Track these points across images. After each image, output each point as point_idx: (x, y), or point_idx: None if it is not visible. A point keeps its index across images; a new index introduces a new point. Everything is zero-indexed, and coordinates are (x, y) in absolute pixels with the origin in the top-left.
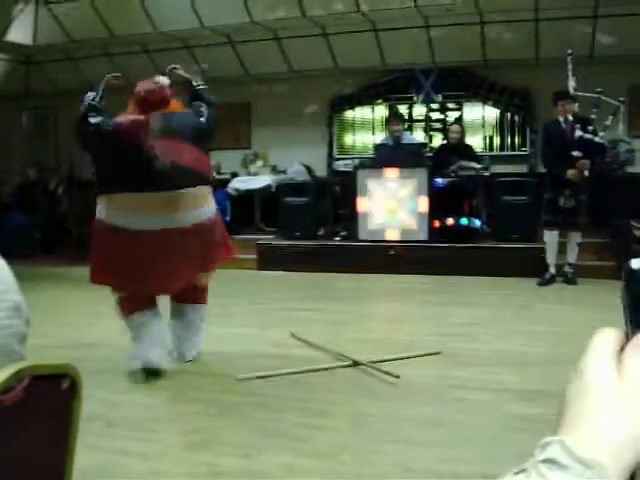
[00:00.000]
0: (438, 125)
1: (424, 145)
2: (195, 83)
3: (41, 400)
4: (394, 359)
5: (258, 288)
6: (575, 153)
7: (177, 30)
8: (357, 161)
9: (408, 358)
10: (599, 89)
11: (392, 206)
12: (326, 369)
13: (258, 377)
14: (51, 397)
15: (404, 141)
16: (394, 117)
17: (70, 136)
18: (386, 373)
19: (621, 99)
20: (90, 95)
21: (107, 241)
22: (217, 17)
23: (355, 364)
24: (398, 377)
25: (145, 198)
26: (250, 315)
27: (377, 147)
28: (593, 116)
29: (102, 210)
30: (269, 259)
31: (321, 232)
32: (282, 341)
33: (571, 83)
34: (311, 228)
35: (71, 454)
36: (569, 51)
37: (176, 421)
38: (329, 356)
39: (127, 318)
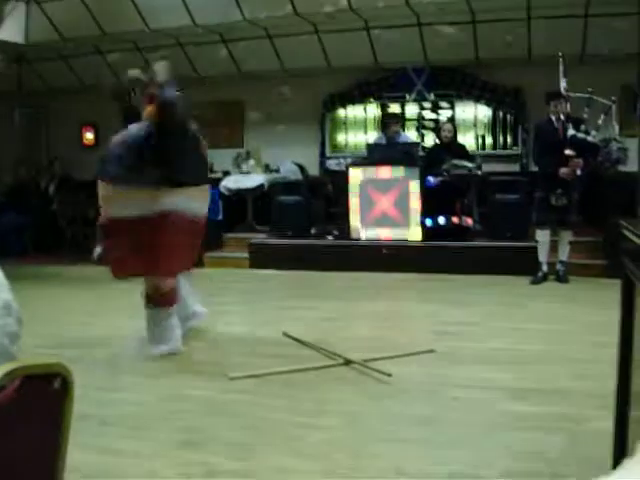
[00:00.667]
0: (430, 124)
1: (416, 144)
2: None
3: (33, 400)
4: (387, 357)
5: (250, 287)
6: (568, 152)
7: (169, 28)
8: (349, 160)
9: (401, 356)
10: (590, 89)
11: (384, 205)
12: (319, 368)
13: (250, 376)
14: (43, 397)
15: (399, 140)
16: (393, 118)
17: (62, 135)
18: (378, 371)
19: (613, 98)
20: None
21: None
22: (209, 15)
23: (348, 362)
24: (390, 375)
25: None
26: (242, 314)
27: (370, 146)
28: (585, 115)
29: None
30: (261, 258)
31: (313, 231)
32: (275, 340)
33: (562, 84)
34: (303, 227)
35: (63, 453)
36: (560, 53)
37: (169, 420)
38: (322, 355)
39: (154, 309)
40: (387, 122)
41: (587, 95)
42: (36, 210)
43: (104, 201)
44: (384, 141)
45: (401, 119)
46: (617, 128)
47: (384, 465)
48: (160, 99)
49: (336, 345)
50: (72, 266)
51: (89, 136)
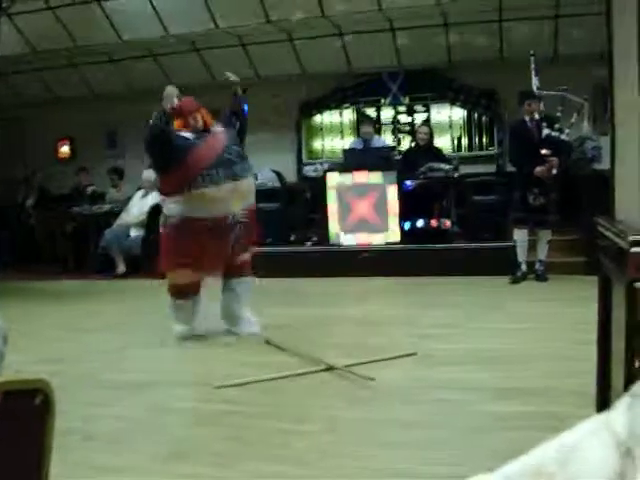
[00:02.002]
0: (406, 127)
1: (393, 148)
2: (239, 91)
3: (14, 416)
4: (369, 362)
5: None
6: (544, 151)
7: (142, 38)
8: (326, 166)
9: (383, 360)
10: (563, 87)
11: (362, 210)
12: (302, 374)
13: (235, 385)
14: (24, 413)
15: (375, 144)
16: (365, 120)
17: (37, 148)
18: (361, 377)
19: (585, 97)
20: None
21: (182, 231)
22: (182, 24)
23: (330, 368)
24: (373, 380)
25: (219, 189)
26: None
27: (346, 151)
28: (559, 114)
29: (175, 208)
30: None
31: (293, 238)
32: (257, 348)
33: (535, 83)
34: (282, 234)
35: (46, 470)
36: (531, 52)
37: (154, 432)
38: (305, 361)
39: (177, 302)
40: (360, 123)
41: (560, 93)
42: (14, 225)
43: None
44: (360, 145)
45: (374, 121)
46: (590, 126)
47: (369, 468)
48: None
49: (318, 351)
50: (51, 281)
51: (65, 149)
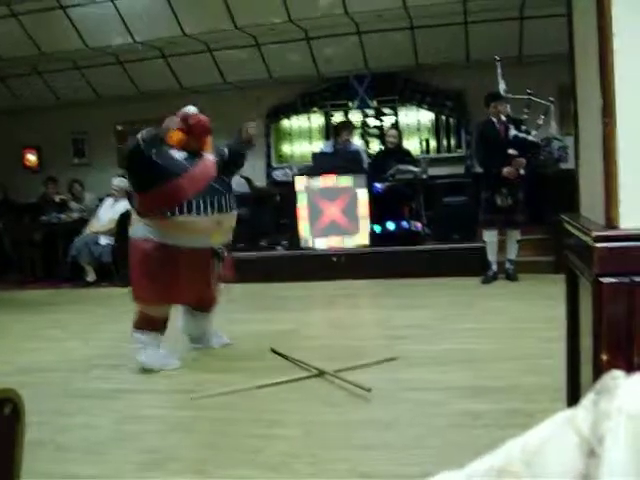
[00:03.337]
0: (375, 131)
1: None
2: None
3: None
4: (351, 368)
5: None
6: (511, 151)
7: (108, 45)
8: (296, 170)
9: (365, 366)
10: (529, 90)
11: (333, 213)
12: (297, 380)
13: (211, 395)
14: None
15: (350, 149)
16: (347, 126)
17: (2, 157)
18: (358, 386)
19: (551, 99)
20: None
21: (159, 259)
22: (149, 31)
23: (321, 374)
24: (370, 390)
25: (203, 220)
26: None
27: (315, 155)
28: (525, 116)
29: (152, 231)
30: None
31: (263, 242)
32: (230, 354)
33: (501, 86)
34: (253, 239)
35: None
36: (496, 57)
37: (127, 441)
38: (291, 367)
39: (145, 332)
40: (340, 130)
41: (526, 96)
42: None
43: None
44: (330, 149)
45: (354, 128)
46: (557, 127)
47: (346, 471)
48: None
49: (298, 356)
50: (21, 291)
51: (31, 158)
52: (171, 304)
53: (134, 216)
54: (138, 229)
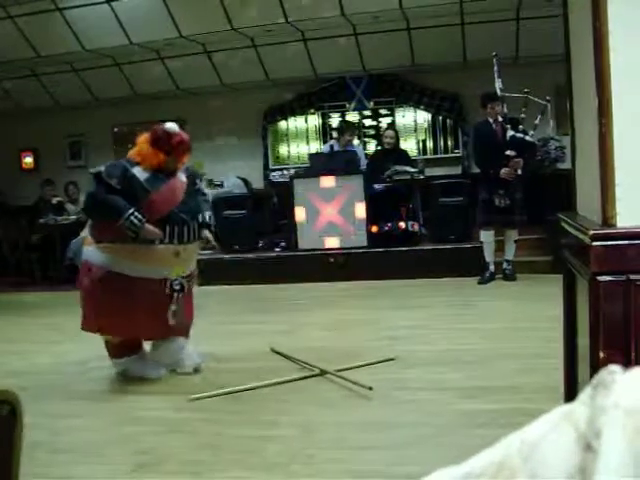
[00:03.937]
0: (371, 131)
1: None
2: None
3: None
4: (349, 368)
5: (200, 303)
6: (508, 152)
7: (105, 47)
8: (293, 171)
9: (365, 365)
10: (526, 89)
11: (330, 214)
12: (293, 380)
13: (209, 396)
14: None
15: (348, 150)
16: (350, 128)
17: (1, 160)
18: (360, 385)
19: (548, 98)
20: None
21: (111, 288)
22: (145, 33)
23: (322, 373)
24: (371, 389)
25: (159, 249)
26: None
27: (312, 156)
28: (522, 116)
29: (107, 258)
30: (210, 274)
31: (261, 244)
32: (228, 355)
33: (498, 85)
34: (251, 241)
35: None
36: (494, 54)
37: (123, 443)
38: (292, 367)
39: (117, 360)
40: (344, 131)
41: (523, 95)
42: None
43: None
44: (328, 150)
45: (357, 130)
46: (554, 127)
47: (342, 471)
48: None
49: (297, 356)
50: (17, 293)
51: (28, 160)
52: (132, 334)
53: (89, 239)
54: (94, 253)
